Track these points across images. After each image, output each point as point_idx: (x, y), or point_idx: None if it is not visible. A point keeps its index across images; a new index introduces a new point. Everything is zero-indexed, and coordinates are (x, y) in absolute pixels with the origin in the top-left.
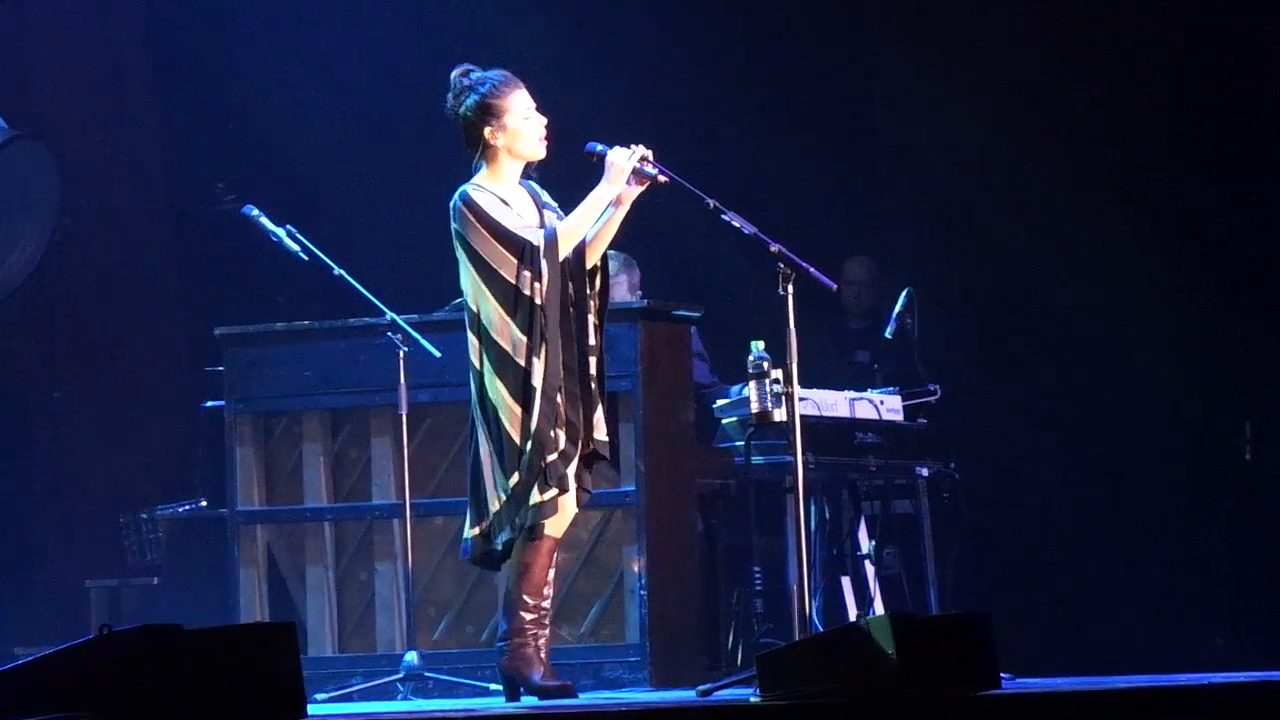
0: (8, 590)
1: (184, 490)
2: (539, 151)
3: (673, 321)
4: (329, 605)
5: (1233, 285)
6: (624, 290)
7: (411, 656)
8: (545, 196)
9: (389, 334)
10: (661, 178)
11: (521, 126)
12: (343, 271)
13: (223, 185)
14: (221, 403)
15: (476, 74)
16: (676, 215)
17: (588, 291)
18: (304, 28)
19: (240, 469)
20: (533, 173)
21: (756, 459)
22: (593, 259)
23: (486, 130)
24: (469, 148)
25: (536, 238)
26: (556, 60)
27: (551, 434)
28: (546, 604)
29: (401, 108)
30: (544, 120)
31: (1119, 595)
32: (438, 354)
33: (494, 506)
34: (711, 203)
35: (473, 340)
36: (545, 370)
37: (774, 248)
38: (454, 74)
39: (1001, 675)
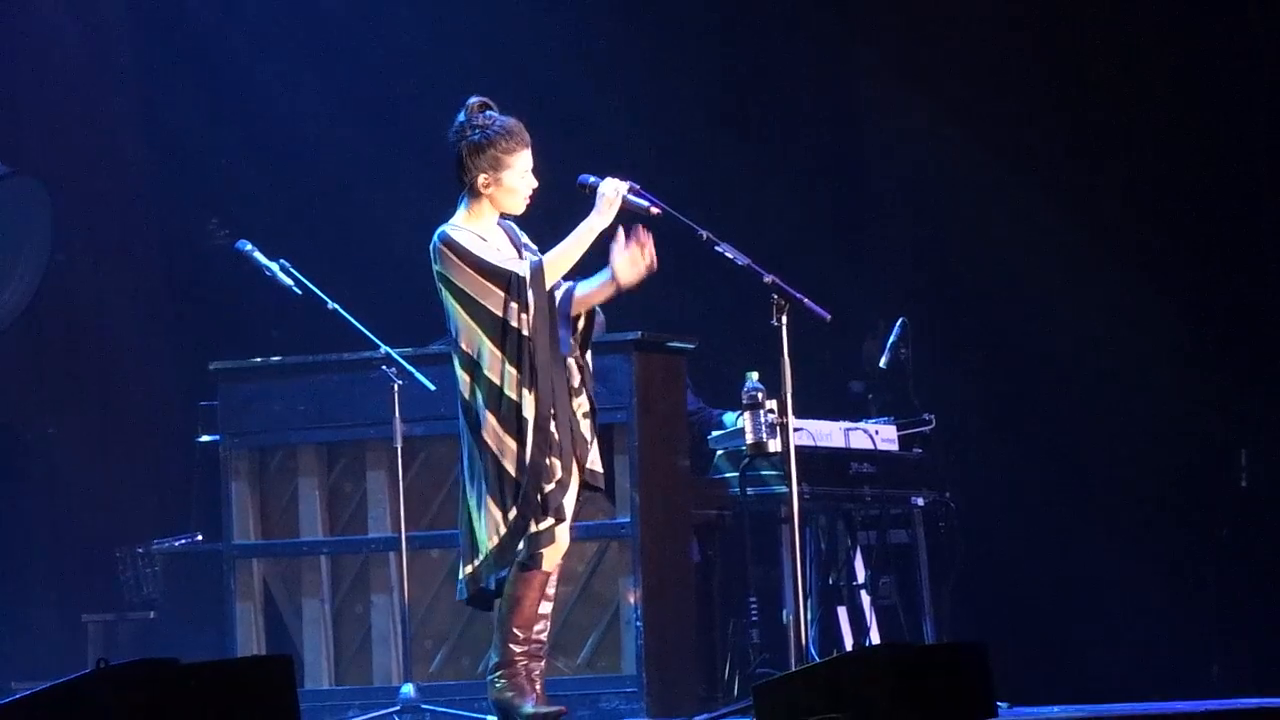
0: (4, 625)
1: (180, 525)
2: (520, 209)
3: (667, 353)
4: (325, 638)
5: (1228, 313)
6: None
7: (408, 689)
8: (524, 237)
9: (383, 367)
10: (654, 210)
11: (516, 185)
12: (337, 305)
13: (216, 220)
14: (217, 437)
15: (491, 114)
16: (669, 246)
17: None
18: (296, 62)
19: (236, 503)
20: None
21: (751, 489)
22: (579, 310)
23: (481, 178)
24: (457, 180)
25: (522, 268)
26: (546, 91)
27: (547, 463)
28: (539, 635)
29: (394, 141)
30: (535, 184)
31: (1115, 623)
32: (432, 387)
33: (491, 543)
34: (704, 234)
35: (463, 377)
36: (537, 401)
37: (767, 279)
38: (471, 101)
39: (998, 704)
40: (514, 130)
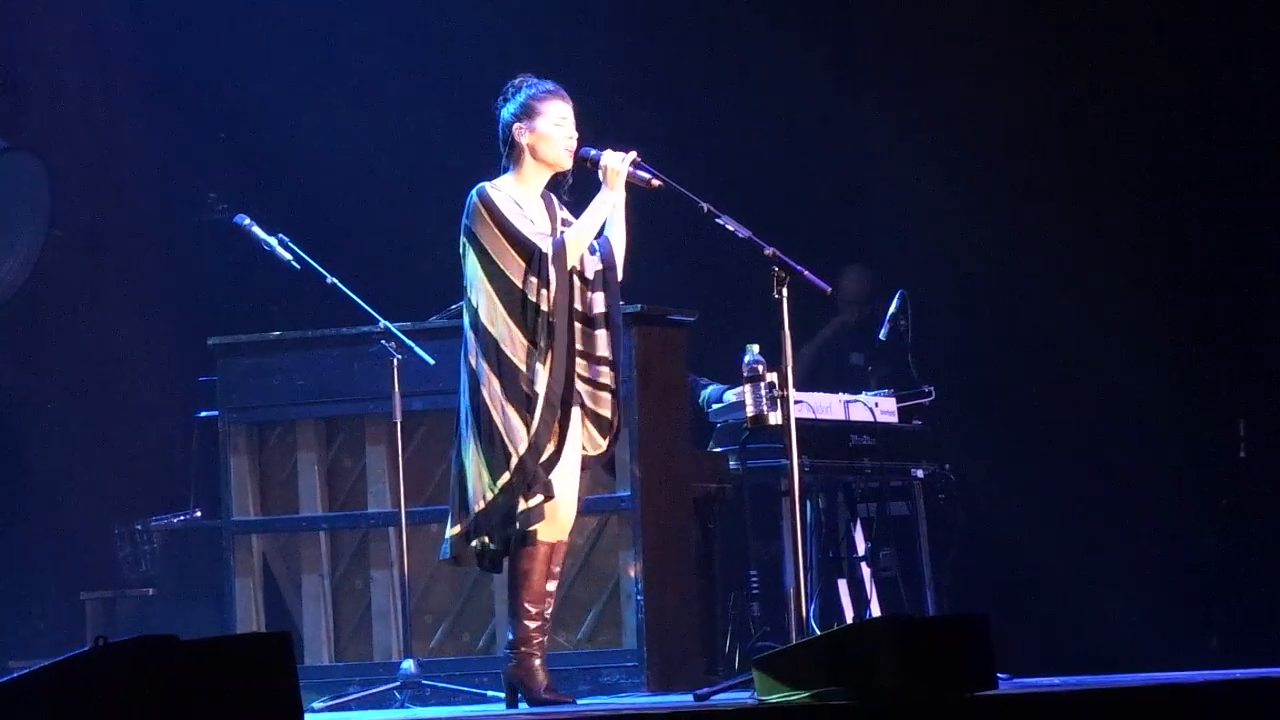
0: (3, 603)
1: (179, 501)
2: (562, 160)
3: (667, 326)
4: (325, 614)
5: (1225, 283)
6: None
7: (408, 664)
8: (563, 213)
9: (382, 342)
10: (655, 182)
11: (550, 131)
12: (335, 280)
13: (214, 195)
14: (215, 413)
15: (530, 80)
16: (670, 219)
17: (617, 301)
18: (295, 36)
19: (235, 479)
20: (564, 194)
21: (752, 462)
22: (620, 266)
23: (516, 127)
24: (503, 147)
25: (546, 245)
26: (546, 63)
27: (548, 441)
28: (548, 611)
29: (394, 116)
30: (574, 134)
31: (1114, 594)
32: (431, 361)
33: (478, 506)
34: (705, 206)
35: (471, 338)
36: (550, 377)
37: (768, 251)
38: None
39: (998, 676)
40: (549, 85)
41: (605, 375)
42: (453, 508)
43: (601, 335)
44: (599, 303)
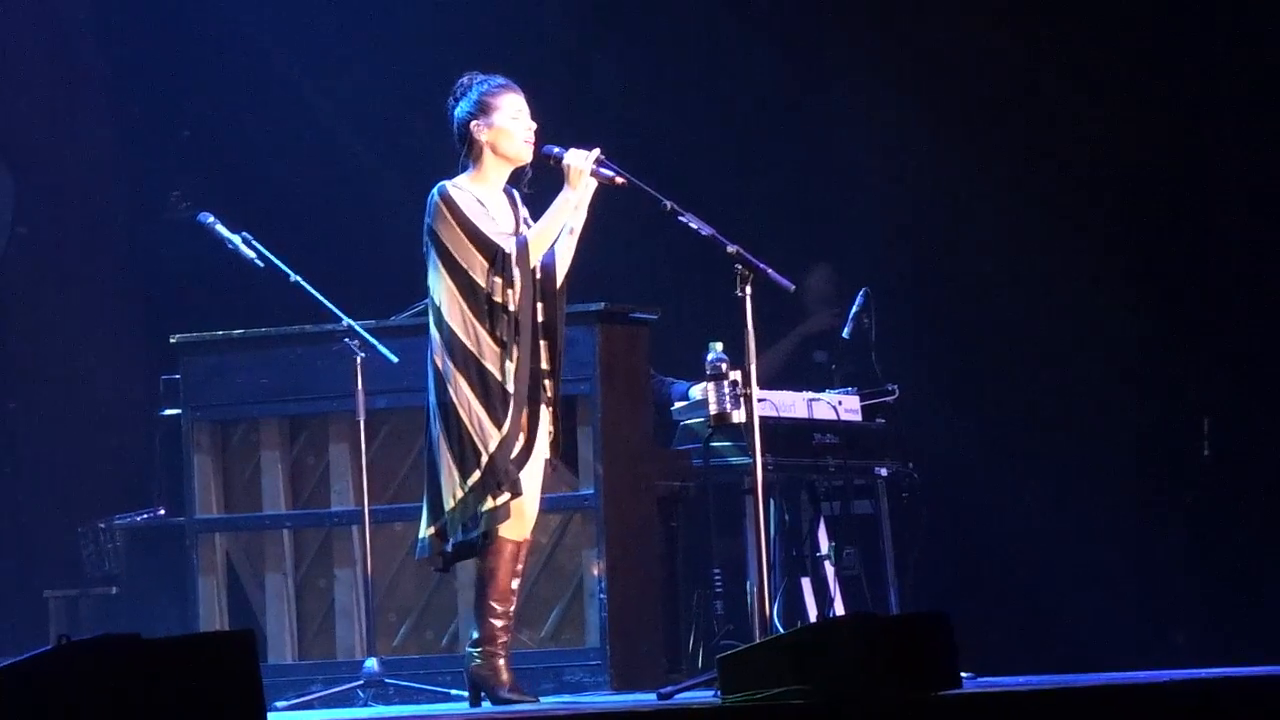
0: None
1: (142, 499)
2: (523, 154)
3: (630, 324)
4: (288, 612)
5: (1187, 282)
6: None
7: (371, 663)
8: (524, 212)
9: (346, 340)
10: (619, 180)
11: (508, 125)
12: (299, 278)
13: (178, 193)
14: (178, 411)
15: (479, 76)
16: (633, 217)
17: (557, 309)
18: (258, 34)
19: (198, 477)
20: (524, 187)
21: (715, 461)
22: (561, 276)
23: (473, 124)
24: (459, 145)
25: (509, 245)
26: (508, 59)
27: (517, 438)
28: (513, 609)
29: (357, 114)
30: (533, 126)
31: (1079, 592)
32: (395, 359)
33: (448, 505)
34: (668, 204)
35: (435, 337)
36: (518, 375)
37: (731, 248)
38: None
39: (962, 674)
40: (499, 79)
41: (548, 389)
42: (426, 507)
43: (540, 345)
44: (539, 311)
